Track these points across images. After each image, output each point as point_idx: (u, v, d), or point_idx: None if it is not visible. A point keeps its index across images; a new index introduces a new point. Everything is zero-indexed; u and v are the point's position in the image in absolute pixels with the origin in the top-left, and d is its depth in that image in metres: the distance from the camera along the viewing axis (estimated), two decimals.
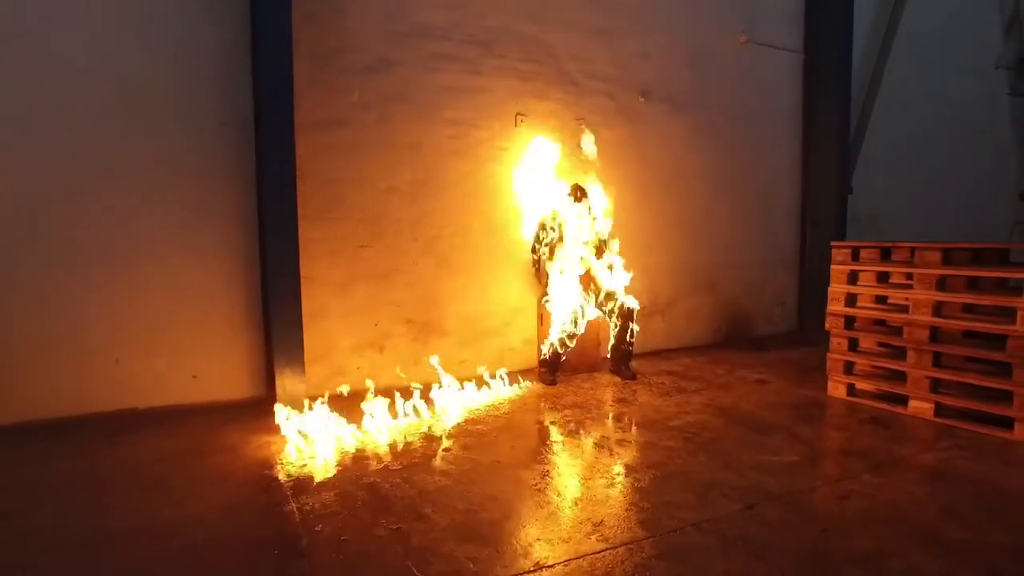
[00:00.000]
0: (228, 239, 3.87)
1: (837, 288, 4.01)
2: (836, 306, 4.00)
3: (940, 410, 3.48)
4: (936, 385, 3.52)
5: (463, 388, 4.07)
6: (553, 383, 4.41)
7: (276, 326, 3.58)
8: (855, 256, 3.96)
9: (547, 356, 4.51)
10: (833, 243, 4.10)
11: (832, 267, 4.05)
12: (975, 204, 7.16)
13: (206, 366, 3.84)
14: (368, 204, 4.18)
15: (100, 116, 3.53)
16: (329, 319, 4.10)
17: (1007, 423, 3.19)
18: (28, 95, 3.37)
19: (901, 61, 6.52)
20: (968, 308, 3.49)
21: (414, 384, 3.84)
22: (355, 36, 4.08)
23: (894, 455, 3.02)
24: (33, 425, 3.39)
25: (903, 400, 3.65)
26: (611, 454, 3.08)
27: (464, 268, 4.58)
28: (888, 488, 2.64)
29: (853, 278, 3.97)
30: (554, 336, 4.47)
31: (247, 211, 3.88)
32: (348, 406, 3.49)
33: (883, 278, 3.90)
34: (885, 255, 3.87)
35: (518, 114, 4.68)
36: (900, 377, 3.68)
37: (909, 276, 3.64)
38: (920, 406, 3.56)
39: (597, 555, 2.11)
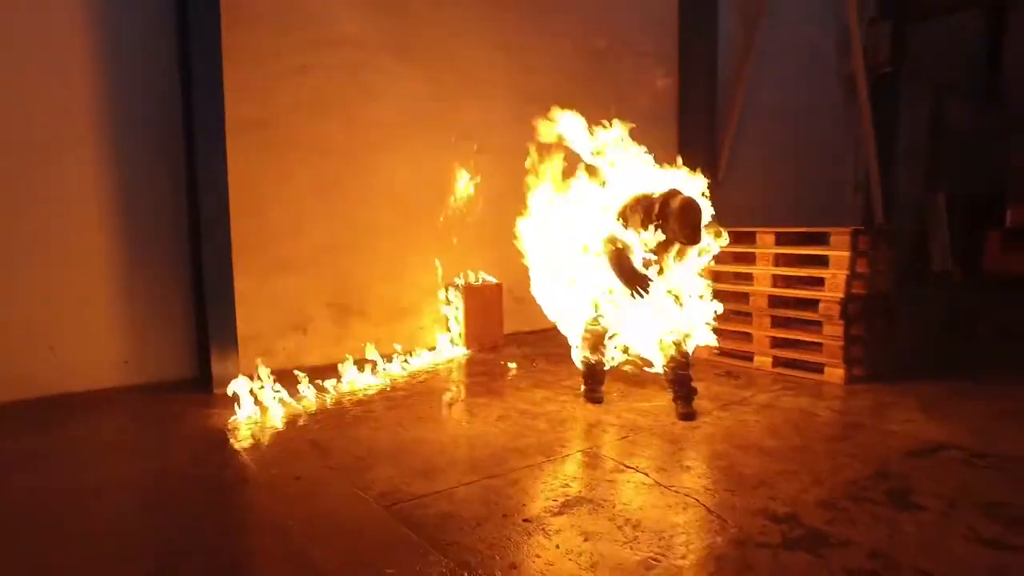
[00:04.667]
0: (158, 232, 4.13)
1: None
2: None
3: (776, 362, 4.33)
4: (774, 343, 4.37)
5: (383, 363, 4.53)
6: (600, 400, 3.76)
7: (212, 311, 3.91)
8: None
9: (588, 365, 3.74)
10: None
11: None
12: (824, 197, 8.36)
13: (138, 350, 4.09)
14: (295, 198, 4.55)
15: (38, 122, 3.72)
16: (257, 304, 4.42)
17: (820, 369, 4.07)
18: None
19: (760, 74, 7.52)
20: (801, 279, 4.35)
21: (337, 361, 4.26)
22: (277, 42, 4.41)
23: (738, 397, 3.80)
24: None
25: (750, 356, 4.49)
26: (505, 408, 3.66)
27: (380, 255, 5.02)
28: (730, 419, 3.39)
29: (714, 257, 4.75)
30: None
31: (177, 204, 4.16)
32: (280, 382, 3.87)
33: (736, 257, 4.71)
34: (739, 238, 4.68)
35: (428, 119, 5.17)
36: (748, 338, 4.51)
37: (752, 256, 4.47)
38: (762, 360, 4.40)
39: (496, 478, 2.67)
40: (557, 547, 2.08)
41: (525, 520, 2.27)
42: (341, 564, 2.01)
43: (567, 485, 2.57)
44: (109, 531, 2.29)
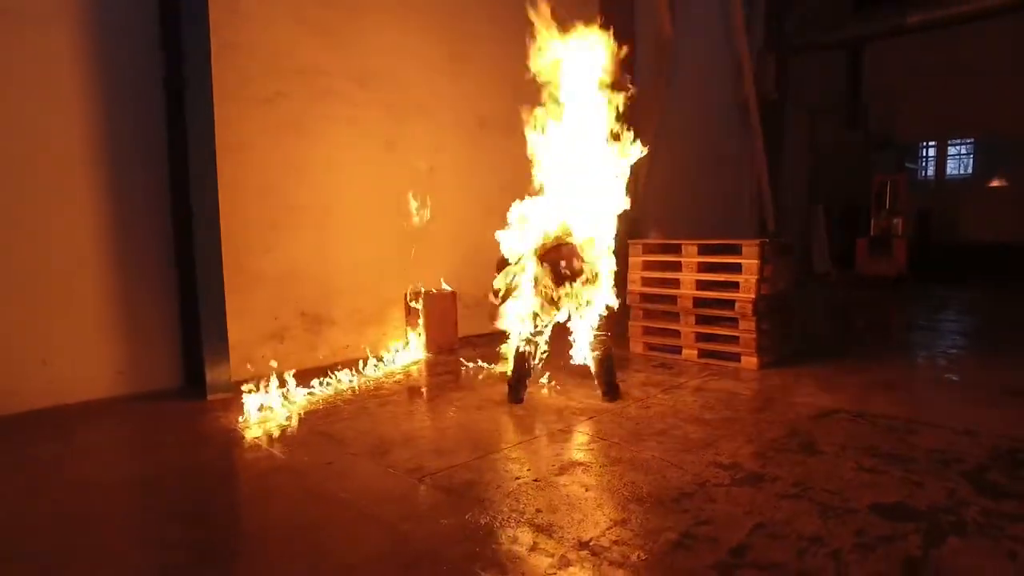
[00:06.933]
0: (148, 244, 4.37)
1: (633, 274, 5.56)
2: (634, 287, 5.55)
3: (701, 354, 5.15)
4: (698, 337, 5.18)
5: (358, 366, 4.95)
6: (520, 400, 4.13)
7: (206, 321, 4.20)
8: (645, 250, 5.54)
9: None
10: (629, 240, 5.65)
11: (629, 259, 5.59)
12: (725, 209, 9.48)
13: (131, 361, 4.31)
14: (270, 215, 4.89)
15: (30, 139, 3.89)
16: (237, 314, 4.71)
17: (737, 357, 4.91)
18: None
19: (669, 100, 8.48)
20: (719, 283, 5.18)
21: (312, 366, 4.64)
22: (250, 71, 4.74)
23: (675, 383, 4.55)
24: None
25: (679, 350, 5.28)
26: (481, 400, 4.22)
27: (348, 267, 5.44)
28: (672, 400, 4.12)
29: (646, 266, 5.53)
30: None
31: (165, 218, 4.41)
32: (270, 386, 4.21)
33: (665, 265, 5.50)
34: (665, 249, 5.48)
35: (386, 141, 5.64)
36: (676, 334, 5.31)
37: (678, 264, 5.28)
38: (689, 353, 5.21)
39: (497, 452, 3.25)
40: (568, 496, 2.69)
41: (535, 480, 2.85)
42: (404, 519, 2.51)
43: (558, 454, 3.18)
44: (188, 511, 2.65)
